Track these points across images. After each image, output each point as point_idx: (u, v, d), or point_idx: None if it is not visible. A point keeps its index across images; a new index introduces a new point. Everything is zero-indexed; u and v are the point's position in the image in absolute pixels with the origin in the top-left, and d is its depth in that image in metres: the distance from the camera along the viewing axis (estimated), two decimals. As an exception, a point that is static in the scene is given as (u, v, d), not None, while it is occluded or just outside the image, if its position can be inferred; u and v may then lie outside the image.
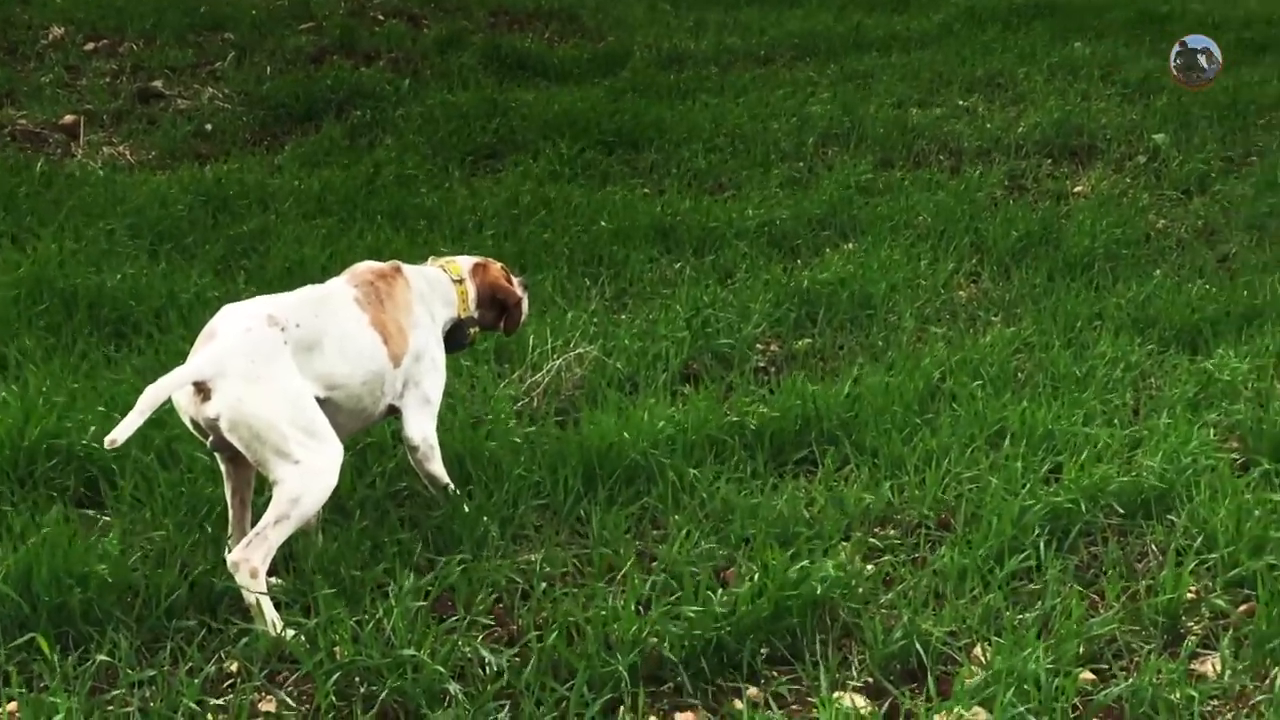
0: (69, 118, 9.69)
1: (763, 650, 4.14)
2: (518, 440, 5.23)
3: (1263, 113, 10.54)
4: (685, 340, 6.28)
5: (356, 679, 3.94)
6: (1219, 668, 4.12)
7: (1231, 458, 5.35)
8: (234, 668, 4.03)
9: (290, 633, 4.07)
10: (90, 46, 11.37)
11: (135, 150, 9.33)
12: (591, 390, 5.80)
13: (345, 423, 4.47)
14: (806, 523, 4.79)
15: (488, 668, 4.00)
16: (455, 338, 4.99)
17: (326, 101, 10.22)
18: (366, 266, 4.82)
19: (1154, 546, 4.80)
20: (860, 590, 4.37)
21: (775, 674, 4.10)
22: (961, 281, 7.44)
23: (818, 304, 6.83)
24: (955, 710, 3.82)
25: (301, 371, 4.27)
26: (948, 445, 5.33)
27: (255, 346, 4.19)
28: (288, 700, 3.89)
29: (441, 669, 3.91)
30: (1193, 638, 4.28)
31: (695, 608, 4.16)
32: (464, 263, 5.10)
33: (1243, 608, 4.42)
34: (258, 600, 4.09)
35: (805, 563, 4.34)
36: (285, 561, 4.43)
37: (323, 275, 5.62)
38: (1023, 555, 4.59)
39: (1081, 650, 4.14)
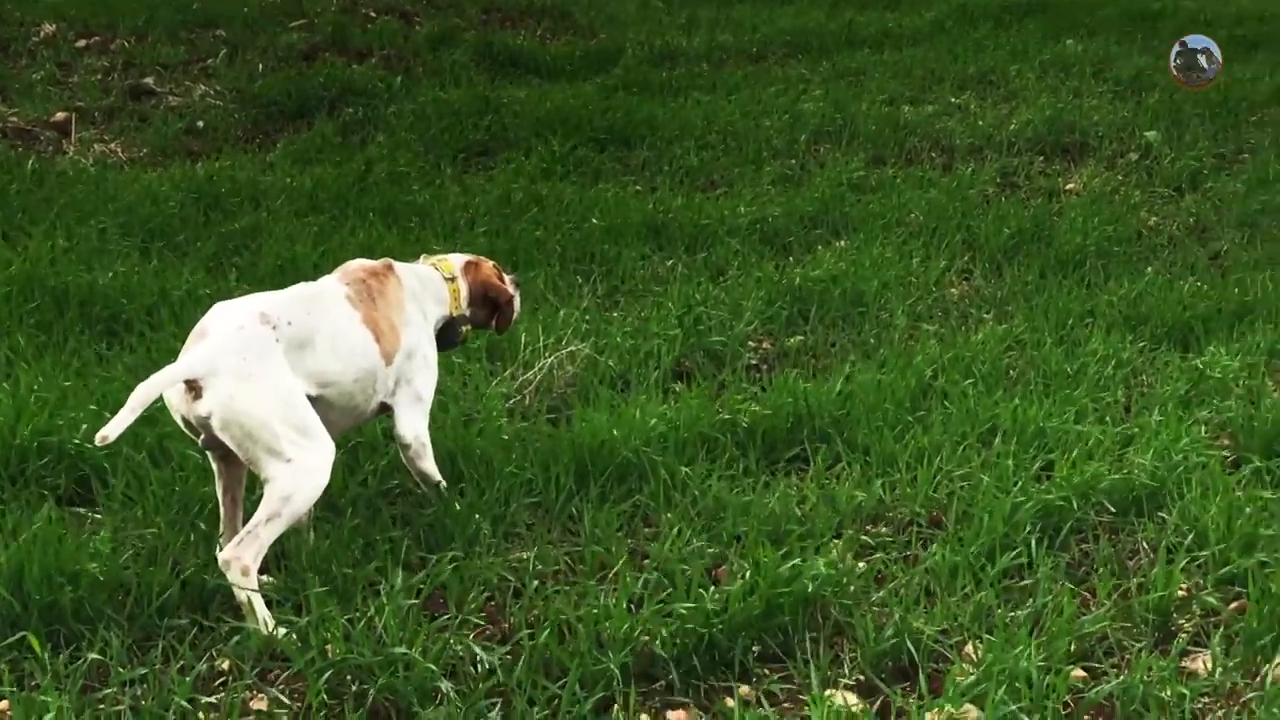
0: (60, 115, 9.68)
1: (754, 648, 4.14)
2: (509, 438, 5.23)
3: (1254, 110, 10.56)
4: (677, 338, 6.28)
5: (348, 677, 3.94)
6: (1210, 665, 4.12)
7: (1222, 455, 5.36)
8: (225, 666, 4.02)
9: (282, 631, 4.07)
10: (82, 43, 11.36)
11: (127, 147, 9.32)
12: (583, 388, 5.80)
13: (337, 420, 4.47)
14: (798, 520, 4.79)
15: (479, 666, 3.99)
16: (447, 335, 4.99)
17: (318, 99, 10.22)
18: (358, 264, 4.81)
19: (1145, 544, 4.80)
20: (852, 588, 4.36)
21: (767, 672, 4.10)
22: (953, 279, 7.45)
23: (810, 301, 6.84)
24: (946, 708, 3.82)
25: (293, 369, 4.26)
26: (939, 443, 5.33)
27: (247, 344, 4.18)
28: (279, 698, 3.89)
29: (433, 667, 3.90)
30: (1184, 635, 4.28)
31: (687, 605, 4.15)
32: (456, 260, 5.10)
33: (1233, 605, 4.42)
34: (249, 598, 4.09)
35: (797, 560, 4.33)
36: (277, 559, 4.43)
37: (315, 273, 5.63)
38: (1014, 553, 4.59)
39: (1073, 648, 4.15)
